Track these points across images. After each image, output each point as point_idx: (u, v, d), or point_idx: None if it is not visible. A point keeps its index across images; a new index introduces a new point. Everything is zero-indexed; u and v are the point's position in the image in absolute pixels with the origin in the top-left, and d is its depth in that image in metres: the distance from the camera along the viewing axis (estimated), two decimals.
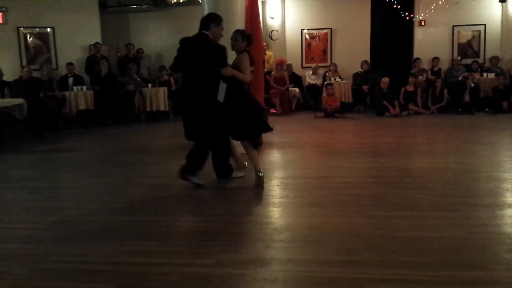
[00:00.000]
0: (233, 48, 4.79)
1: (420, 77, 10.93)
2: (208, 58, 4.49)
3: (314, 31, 12.16)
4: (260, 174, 4.69)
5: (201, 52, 4.51)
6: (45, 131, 8.62)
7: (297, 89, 11.50)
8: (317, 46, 12.24)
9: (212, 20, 4.58)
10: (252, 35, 5.03)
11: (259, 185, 4.66)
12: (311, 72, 11.77)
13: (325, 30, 12.11)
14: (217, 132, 4.66)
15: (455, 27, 11.56)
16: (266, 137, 7.08)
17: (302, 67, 12.21)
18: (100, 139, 8.62)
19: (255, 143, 4.86)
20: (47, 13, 10.49)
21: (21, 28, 10.41)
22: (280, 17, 12.09)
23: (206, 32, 4.54)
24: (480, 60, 11.40)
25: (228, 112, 4.63)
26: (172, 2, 11.33)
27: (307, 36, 12.22)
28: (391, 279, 2.66)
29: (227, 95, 4.59)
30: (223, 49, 4.55)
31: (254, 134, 4.83)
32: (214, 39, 4.59)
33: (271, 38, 12.05)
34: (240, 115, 4.67)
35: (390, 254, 2.99)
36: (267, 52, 11.43)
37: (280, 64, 11.35)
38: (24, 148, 7.60)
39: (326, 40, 12.16)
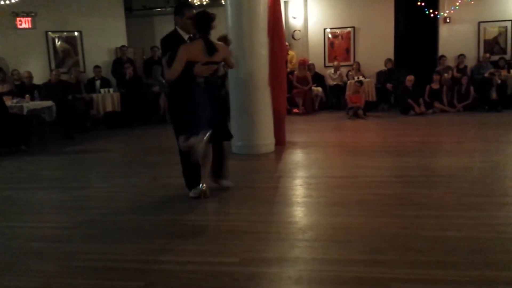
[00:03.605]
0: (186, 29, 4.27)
1: (446, 74, 10.76)
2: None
3: (337, 30, 12.11)
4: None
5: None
6: (73, 132, 8.84)
7: (320, 89, 11.48)
8: (340, 45, 12.18)
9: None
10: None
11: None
12: (332, 71, 11.72)
13: (348, 29, 12.04)
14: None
15: (481, 24, 11.36)
16: (289, 136, 7.15)
17: (325, 66, 12.17)
18: (126, 140, 8.79)
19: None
20: (74, 17, 10.74)
21: (50, 32, 10.67)
22: (302, 16, 12.06)
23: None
24: (507, 57, 11.17)
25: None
26: (196, 4, 11.41)
27: (330, 35, 12.18)
28: (417, 279, 2.64)
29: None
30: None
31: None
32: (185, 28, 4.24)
33: (293, 38, 12.04)
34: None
35: (416, 253, 2.96)
36: (290, 52, 11.43)
37: (303, 64, 11.33)
38: (53, 149, 7.80)
39: (349, 38, 12.09)
